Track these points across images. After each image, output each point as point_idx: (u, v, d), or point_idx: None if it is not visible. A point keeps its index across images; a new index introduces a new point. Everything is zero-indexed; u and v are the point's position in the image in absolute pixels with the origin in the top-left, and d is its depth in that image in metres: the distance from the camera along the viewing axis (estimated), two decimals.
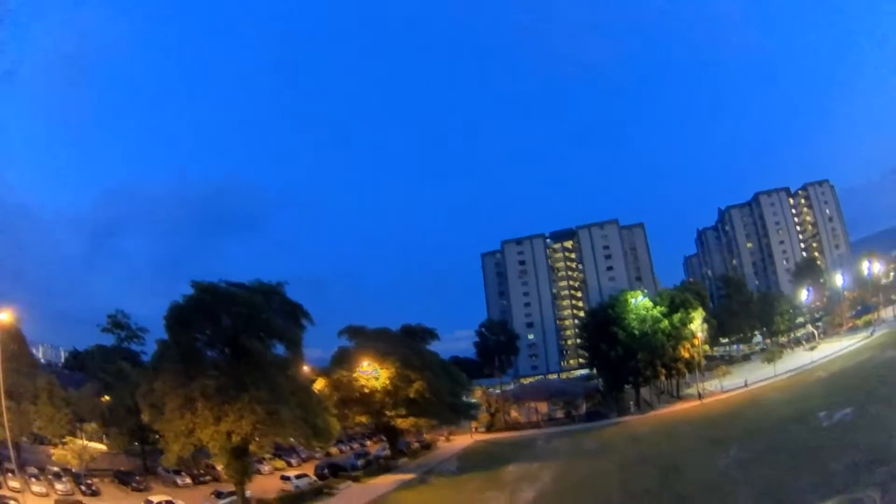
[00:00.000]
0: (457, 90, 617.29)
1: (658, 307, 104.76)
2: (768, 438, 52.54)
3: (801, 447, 45.26)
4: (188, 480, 66.41)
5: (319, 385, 73.02)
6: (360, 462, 77.35)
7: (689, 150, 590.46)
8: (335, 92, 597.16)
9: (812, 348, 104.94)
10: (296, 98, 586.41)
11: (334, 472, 69.98)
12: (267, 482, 66.07)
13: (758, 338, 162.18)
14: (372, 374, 74.00)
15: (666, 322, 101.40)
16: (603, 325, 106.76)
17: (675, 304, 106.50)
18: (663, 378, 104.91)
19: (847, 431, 45.44)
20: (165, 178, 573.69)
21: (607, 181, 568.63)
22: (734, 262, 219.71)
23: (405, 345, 79.75)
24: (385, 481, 65.56)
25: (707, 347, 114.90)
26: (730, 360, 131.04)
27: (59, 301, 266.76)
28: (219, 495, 56.81)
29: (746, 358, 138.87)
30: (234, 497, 54.58)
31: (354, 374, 74.28)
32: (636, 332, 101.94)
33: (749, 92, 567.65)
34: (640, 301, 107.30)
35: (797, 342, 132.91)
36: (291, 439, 64.09)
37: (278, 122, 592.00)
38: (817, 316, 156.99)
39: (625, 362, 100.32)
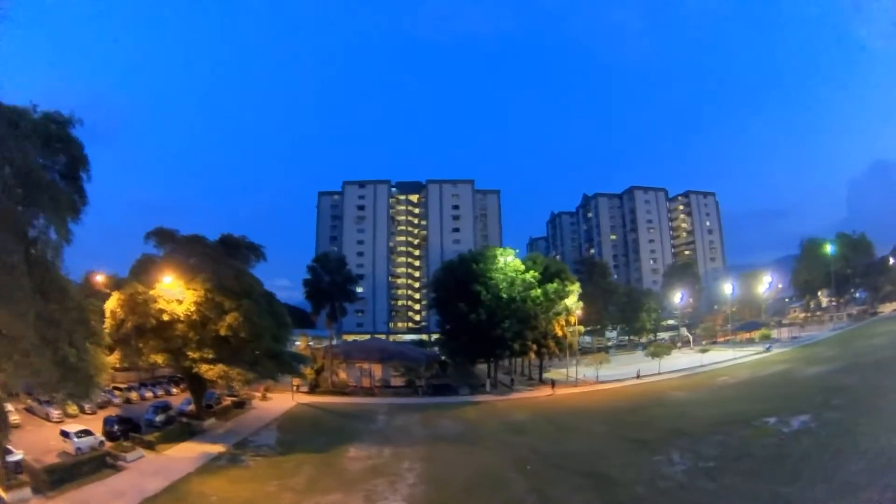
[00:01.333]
0: (324, 30, 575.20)
1: (531, 272, 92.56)
2: (715, 443, 46.23)
3: (776, 455, 40.21)
4: None
5: (112, 303, 52.76)
6: (158, 418, 60.96)
7: (558, 138, 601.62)
8: (191, 18, 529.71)
9: (703, 351, 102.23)
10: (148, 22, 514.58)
11: (126, 430, 53.98)
12: (55, 435, 50.93)
13: (611, 332, 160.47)
14: (175, 294, 54.11)
15: (539, 290, 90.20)
16: (463, 281, 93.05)
17: (550, 272, 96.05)
18: (533, 355, 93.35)
19: (824, 438, 42.13)
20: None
21: (464, 146, 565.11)
22: (592, 250, 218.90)
23: (222, 262, 59.94)
24: (186, 453, 49.62)
25: (582, 328, 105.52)
26: (582, 351, 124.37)
27: None
28: None
29: (604, 350, 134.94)
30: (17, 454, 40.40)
31: (152, 291, 53.25)
32: (503, 296, 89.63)
33: (640, 104, 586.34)
34: (510, 260, 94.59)
35: (673, 343, 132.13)
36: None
37: (136, 42, 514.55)
38: (687, 322, 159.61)
39: (489, 329, 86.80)
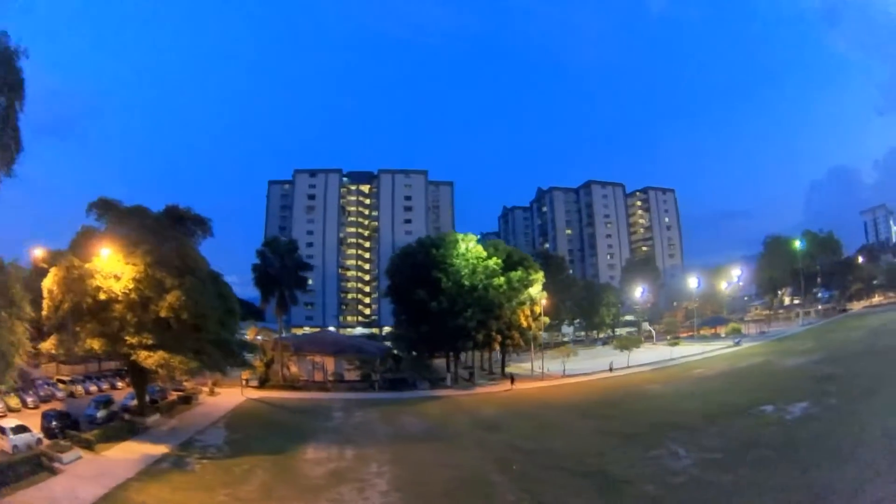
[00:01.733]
0: (278, 19, 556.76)
1: (493, 259, 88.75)
2: (714, 434, 43.59)
3: (785, 442, 38.12)
4: None
5: (50, 281, 46.53)
6: (100, 413, 54.80)
7: (513, 134, 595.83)
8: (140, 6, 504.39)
9: (673, 344, 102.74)
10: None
11: (65, 426, 48.43)
12: None
13: (567, 327, 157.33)
14: (113, 269, 48.12)
15: (502, 279, 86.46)
16: (422, 267, 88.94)
17: (513, 260, 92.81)
18: (497, 346, 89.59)
19: (829, 424, 40.60)
20: None
21: (417, 137, 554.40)
22: (546, 245, 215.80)
23: (165, 235, 53.93)
24: (127, 454, 43.58)
25: (547, 319, 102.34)
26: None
27: None
28: None
29: (561, 345, 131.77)
30: None
31: (88, 266, 47.20)
32: (465, 283, 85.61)
33: (599, 103, 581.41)
34: (471, 246, 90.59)
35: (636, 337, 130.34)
36: None
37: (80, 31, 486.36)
38: (646, 317, 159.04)
39: (450, 318, 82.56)
